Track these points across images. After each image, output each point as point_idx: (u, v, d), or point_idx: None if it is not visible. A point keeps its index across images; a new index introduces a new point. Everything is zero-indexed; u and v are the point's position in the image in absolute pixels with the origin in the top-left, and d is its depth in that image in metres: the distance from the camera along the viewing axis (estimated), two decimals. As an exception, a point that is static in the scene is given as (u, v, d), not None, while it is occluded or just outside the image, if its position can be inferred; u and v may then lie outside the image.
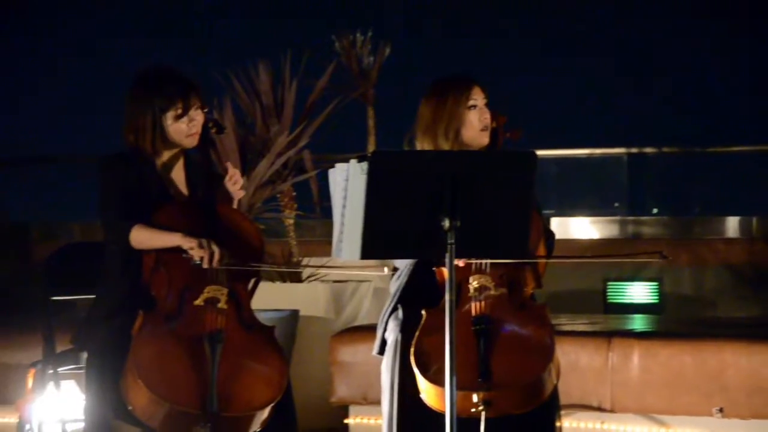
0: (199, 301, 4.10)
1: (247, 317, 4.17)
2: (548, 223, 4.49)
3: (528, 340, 4.17)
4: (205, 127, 4.33)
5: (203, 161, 4.38)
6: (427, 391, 4.08)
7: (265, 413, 4.01)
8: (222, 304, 4.10)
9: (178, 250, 4.12)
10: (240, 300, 4.18)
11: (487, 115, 4.43)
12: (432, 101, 4.44)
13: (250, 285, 4.26)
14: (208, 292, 4.11)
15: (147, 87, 4.30)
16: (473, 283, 4.21)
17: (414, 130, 4.49)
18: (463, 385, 3.93)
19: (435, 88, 4.47)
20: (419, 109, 4.48)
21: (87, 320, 4.29)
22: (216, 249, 4.09)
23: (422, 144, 4.44)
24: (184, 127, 4.29)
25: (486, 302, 4.17)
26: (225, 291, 4.12)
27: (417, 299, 4.29)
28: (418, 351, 4.11)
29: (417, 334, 4.15)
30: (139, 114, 4.28)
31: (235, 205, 4.42)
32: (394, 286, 4.44)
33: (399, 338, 4.27)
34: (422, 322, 4.16)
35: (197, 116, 4.31)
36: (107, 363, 4.08)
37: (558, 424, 4.29)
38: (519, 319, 4.19)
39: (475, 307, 4.17)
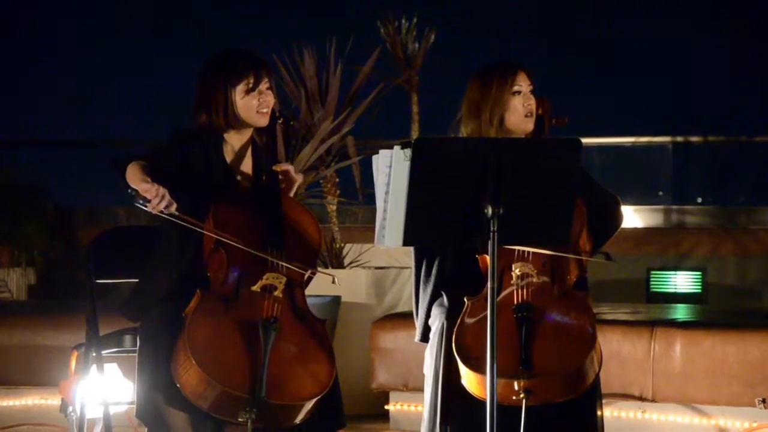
0: (256, 287, 4.09)
1: (301, 308, 4.16)
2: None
3: (569, 328, 4.16)
4: (273, 116, 4.33)
5: (268, 149, 4.38)
6: (468, 378, 4.07)
7: (309, 405, 4.00)
8: (278, 293, 4.09)
9: (240, 236, 4.12)
10: (295, 290, 4.17)
11: (532, 101, 4.41)
12: (477, 85, 4.43)
13: (306, 276, 4.24)
14: (267, 278, 4.10)
15: (217, 64, 4.31)
16: (515, 270, 4.20)
17: (460, 114, 4.49)
18: (504, 372, 3.92)
19: (481, 73, 4.46)
20: (465, 92, 4.47)
21: (138, 297, 4.30)
22: (167, 200, 4.01)
23: (467, 127, 4.43)
24: (255, 102, 4.28)
25: (528, 290, 4.17)
26: (283, 280, 4.11)
27: (461, 286, 4.28)
28: (460, 338, 4.11)
29: (459, 321, 4.14)
30: (210, 90, 4.28)
31: (292, 193, 4.41)
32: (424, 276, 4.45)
33: (444, 324, 4.25)
34: (464, 309, 4.16)
35: (268, 94, 4.31)
36: (161, 346, 4.07)
37: (599, 413, 4.28)
38: (561, 307, 4.18)
39: (517, 295, 4.16)
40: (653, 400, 5.78)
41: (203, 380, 3.91)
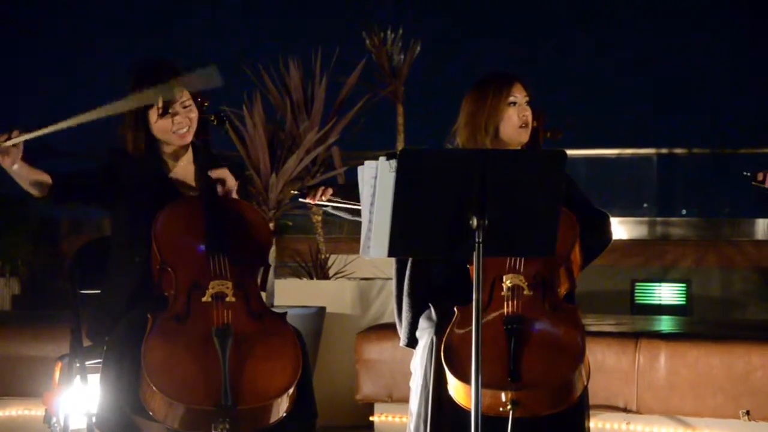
0: (206, 298, 4.08)
1: (255, 307, 4.14)
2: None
3: (559, 341, 4.16)
4: (203, 121, 4.28)
5: (203, 153, 4.33)
6: (456, 389, 4.07)
7: (284, 401, 4.00)
8: (230, 298, 4.08)
9: (181, 253, 4.13)
10: (248, 290, 4.15)
11: (527, 113, 4.42)
12: (474, 96, 4.44)
13: (259, 273, 4.23)
14: (213, 287, 4.09)
15: (133, 82, 4.24)
16: (506, 282, 4.20)
17: (456, 125, 4.49)
18: (492, 384, 3.93)
19: (478, 84, 4.46)
20: (462, 103, 4.48)
21: (98, 315, 4.31)
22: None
23: (462, 138, 4.44)
24: (168, 125, 4.24)
25: (518, 302, 4.17)
26: (230, 284, 4.10)
27: (449, 298, 4.28)
28: (448, 348, 4.10)
29: (448, 331, 4.14)
30: (128, 111, 4.23)
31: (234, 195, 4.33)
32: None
33: (434, 340, 4.25)
34: (454, 319, 4.16)
35: (185, 113, 4.24)
36: (126, 357, 4.07)
37: (587, 424, 4.28)
38: (551, 320, 4.18)
39: (507, 307, 4.16)
40: (638, 412, 5.78)
41: (166, 402, 3.91)
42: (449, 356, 4.09)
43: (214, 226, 4.18)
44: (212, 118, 4.31)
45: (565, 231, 4.13)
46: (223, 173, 4.29)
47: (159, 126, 4.24)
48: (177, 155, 4.35)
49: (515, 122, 4.40)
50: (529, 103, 4.44)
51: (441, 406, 4.20)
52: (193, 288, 4.10)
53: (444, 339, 4.13)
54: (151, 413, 3.97)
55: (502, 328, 4.10)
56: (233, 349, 3.95)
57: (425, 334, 4.32)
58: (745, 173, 4.76)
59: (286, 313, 4.25)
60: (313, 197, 4.58)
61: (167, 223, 4.20)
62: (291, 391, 4.01)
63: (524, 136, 4.43)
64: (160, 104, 4.20)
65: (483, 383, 3.73)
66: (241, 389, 3.92)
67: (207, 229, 4.16)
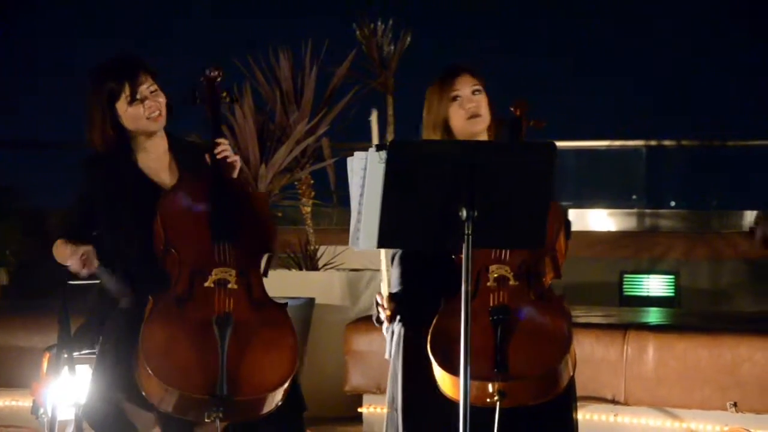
0: (208, 283, 4.06)
1: (258, 296, 4.12)
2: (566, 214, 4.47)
3: (545, 331, 4.16)
4: (210, 91, 4.27)
5: (213, 120, 4.28)
6: (442, 380, 4.08)
7: (279, 393, 4.00)
8: (232, 285, 4.06)
9: (186, 235, 4.10)
10: (251, 279, 4.13)
11: (473, 103, 4.36)
12: (427, 94, 4.43)
13: (263, 261, 4.21)
14: (216, 274, 4.07)
15: (92, 83, 4.22)
16: (492, 272, 4.21)
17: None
18: (479, 375, 3.93)
19: (431, 81, 4.46)
20: None
21: (99, 303, 4.30)
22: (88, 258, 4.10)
23: (423, 136, 4.44)
24: (140, 111, 4.20)
25: (505, 292, 4.17)
26: (233, 272, 4.08)
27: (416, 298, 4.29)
28: (435, 340, 4.11)
29: (434, 322, 4.14)
30: (93, 110, 4.20)
31: (235, 174, 4.31)
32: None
33: (402, 332, 4.27)
34: (440, 309, 4.16)
35: (153, 97, 4.21)
36: (122, 346, 4.08)
37: (574, 415, 4.29)
38: (537, 310, 4.18)
39: (493, 297, 4.17)
40: (626, 404, 5.80)
41: (161, 387, 3.90)
42: (435, 347, 4.09)
43: (220, 213, 4.14)
44: (224, 95, 4.31)
45: (551, 221, 4.13)
46: (226, 147, 4.25)
47: (130, 114, 4.19)
48: (148, 147, 4.28)
49: (462, 115, 4.37)
50: (479, 91, 4.39)
51: (413, 396, 4.21)
52: (196, 271, 4.07)
53: (431, 331, 4.13)
54: (145, 395, 3.95)
55: (487, 319, 4.09)
56: (232, 339, 3.93)
57: (396, 325, 4.33)
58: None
59: (286, 303, 4.24)
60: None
61: (173, 203, 4.16)
62: (287, 384, 4.01)
63: (476, 127, 4.36)
64: (128, 92, 4.16)
65: (471, 374, 3.73)
66: (238, 380, 3.91)
67: (213, 215, 4.14)
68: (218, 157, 4.22)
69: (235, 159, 4.28)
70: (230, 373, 3.89)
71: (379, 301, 4.27)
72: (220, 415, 3.86)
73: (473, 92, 4.38)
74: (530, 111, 4.46)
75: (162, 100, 4.23)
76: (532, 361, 4.07)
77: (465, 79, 4.40)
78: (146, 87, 4.20)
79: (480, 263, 4.19)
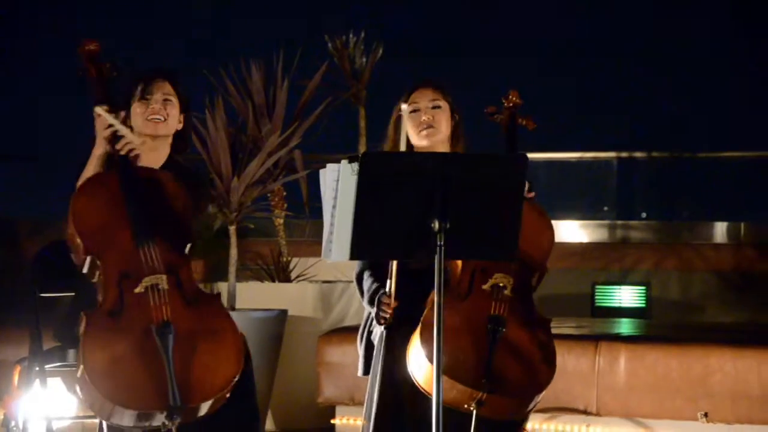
0: (139, 289, 3.95)
1: (189, 292, 4.02)
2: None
3: (537, 356, 4.19)
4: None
5: (98, 92, 4.21)
6: (426, 375, 4.06)
7: (229, 388, 3.93)
8: (163, 285, 3.95)
9: (105, 240, 3.99)
10: (180, 276, 4.02)
11: (426, 116, 4.40)
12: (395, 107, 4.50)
13: (187, 250, 4.09)
14: (147, 281, 3.96)
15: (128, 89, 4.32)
16: (494, 279, 4.19)
17: None
18: (466, 380, 3.95)
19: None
20: None
21: (69, 317, 4.29)
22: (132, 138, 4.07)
23: (385, 147, 4.49)
24: (143, 108, 4.26)
25: (502, 303, 4.16)
26: (164, 277, 3.97)
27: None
28: (426, 337, 4.09)
29: (425, 313, 4.13)
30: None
31: (141, 162, 4.20)
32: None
33: (383, 334, 4.30)
34: (428, 304, 4.15)
35: (164, 102, 4.26)
36: None
37: (525, 426, 4.32)
38: (531, 330, 4.21)
39: (494, 306, 4.16)
40: (598, 414, 5.81)
41: (114, 408, 3.83)
42: (426, 342, 4.08)
43: (139, 214, 4.03)
44: (107, 66, 4.23)
45: (546, 242, 4.18)
46: (128, 140, 4.13)
47: (134, 111, 4.28)
48: (147, 151, 4.26)
49: (414, 126, 4.41)
50: (438, 106, 4.41)
51: (388, 394, 4.21)
52: (123, 278, 3.96)
53: (420, 328, 4.12)
54: (94, 413, 3.91)
55: (483, 326, 4.10)
56: (176, 347, 3.85)
57: (377, 328, 4.34)
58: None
59: (219, 294, 4.20)
60: None
61: (85, 207, 4.04)
62: (237, 377, 3.94)
63: (428, 139, 4.41)
64: (139, 89, 4.26)
65: (459, 378, 3.85)
66: (190, 388, 3.85)
67: (132, 218, 4.01)
68: (121, 153, 4.13)
69: (136, 146, 4.17)
70: (180, 383, 3.82)
71: (384, 300, 4.26)
72: (176, 423, 3.82)
73: (433, 106, 4.41)
74: (522, 107, 4.48)
75: (173, 110, 4.26)
76: (521, 383, 4.11)
77: (425, 92, 4.44)
78: (160, 91, 4.27)
79: (480, 263, 4.19)
